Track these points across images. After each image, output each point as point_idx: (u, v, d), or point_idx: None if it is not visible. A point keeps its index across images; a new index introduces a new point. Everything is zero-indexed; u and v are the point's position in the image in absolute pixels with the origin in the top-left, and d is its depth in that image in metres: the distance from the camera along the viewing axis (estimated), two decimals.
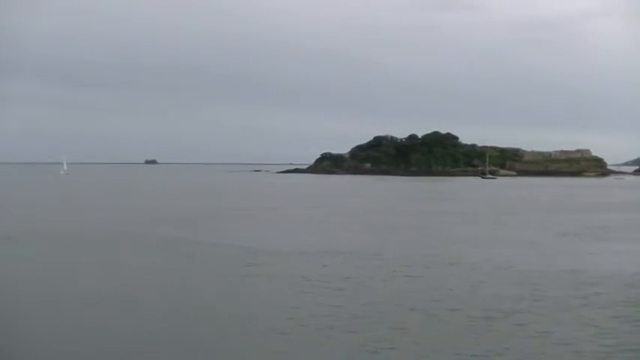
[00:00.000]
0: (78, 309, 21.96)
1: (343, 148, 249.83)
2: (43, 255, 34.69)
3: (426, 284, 26.43)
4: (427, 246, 38.68)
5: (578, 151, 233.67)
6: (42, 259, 33.43)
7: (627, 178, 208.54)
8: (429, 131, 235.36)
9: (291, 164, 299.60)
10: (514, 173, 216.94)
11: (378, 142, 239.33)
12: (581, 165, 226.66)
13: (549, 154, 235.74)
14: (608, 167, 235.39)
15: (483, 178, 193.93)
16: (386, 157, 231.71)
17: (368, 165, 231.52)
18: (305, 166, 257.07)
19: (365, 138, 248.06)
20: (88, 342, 18.24)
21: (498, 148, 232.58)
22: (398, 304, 22.61)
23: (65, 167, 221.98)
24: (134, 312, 21.55)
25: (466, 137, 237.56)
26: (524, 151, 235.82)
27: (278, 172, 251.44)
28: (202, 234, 43.58)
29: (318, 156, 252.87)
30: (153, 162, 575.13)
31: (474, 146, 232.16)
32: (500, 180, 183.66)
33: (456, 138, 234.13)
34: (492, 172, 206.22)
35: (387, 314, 21.10)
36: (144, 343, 18.09)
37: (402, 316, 20.83)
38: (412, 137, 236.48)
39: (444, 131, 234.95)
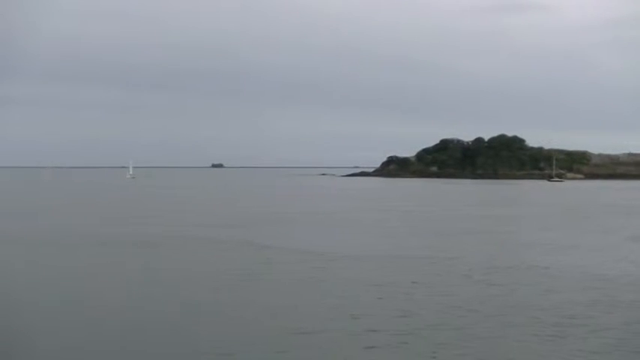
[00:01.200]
0: (171, 315, 21.83)
1: (409, 152, 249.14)
2: (120, 259, 35.26)
3: (498, 289, 25.98)
4: (498, 250, 38.21)
5: None
6: (120, 263, 34.02)
7: None
8: (496, 134, 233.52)
9: (357, 167, 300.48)
10: (581, 176, 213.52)
11: (444, 146, 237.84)
12: None
13: (617, 157, 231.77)
14: None
15: (550, 181, 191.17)
16: (452, 160, 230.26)
17: (434, 168, 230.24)
18: (371, 170, 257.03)
19: (431, 141, 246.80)
20: (179, 343, 18.33)
21: (565, 151, 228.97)
22: (470, 309, 22.16)
23: (131, 171, 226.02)
24: (217, 318, 21.37)
25: (533, 140, 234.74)
26: (591, 154, 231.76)
27: (344, 176, 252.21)
28: (269, 238, 43.50)
29: (384, 159, 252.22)
30: (219, 166, 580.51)
31: (540, 149, 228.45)
32: (567, 183, 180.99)
33: (523, 141, 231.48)
34: (559, 176, 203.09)
35: (459, 320, 20.66)
36: (233, 346, 18.03)
37: (474, 323, 20.37)
38: (478, 140, 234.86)
39: (510, 134, 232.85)
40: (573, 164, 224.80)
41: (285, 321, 20.61)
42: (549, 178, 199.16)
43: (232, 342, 18.38)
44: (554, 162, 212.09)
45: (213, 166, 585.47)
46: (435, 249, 38.59)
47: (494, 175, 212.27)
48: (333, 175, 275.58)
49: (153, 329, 19.88)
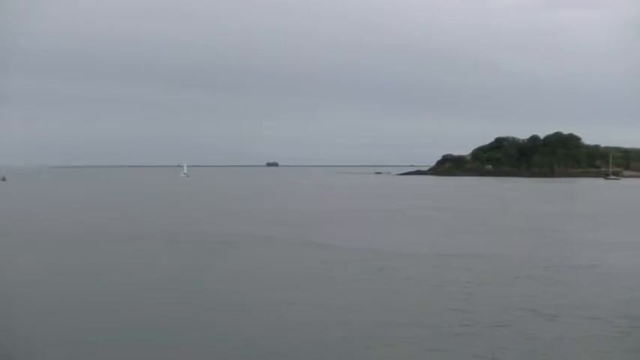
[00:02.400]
0: (237, 316, 21.99)
1: (464, 150, 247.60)
2: (179, 260, 35.69)
3: (557, 289, 25.67)
4: (556, 249, 37.79)
5: None
6: (181, 263, 34.34)
7: None
8: (551, 132, 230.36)
9: (412, 166, 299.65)
10: (638, 174, 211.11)
11: (499, 144, 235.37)
12: None
13: None
14: None
15: (607, 179, 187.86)
16: (507, 158, 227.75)
17: (489, 166, 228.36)
18: (426, 168, 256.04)
19: (486, 139, 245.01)
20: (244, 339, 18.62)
21: (622, 148, 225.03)
22: (529, 309, 22.00)
23: (185, 170, 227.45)
24: (290, 318, 21.53)
25: (589, 138, 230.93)
26: None
27: (399, 174, 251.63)
28: (327, 236, 43.62)
29: (439, 158, 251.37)
30: (274, 164, 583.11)
31: (596, 147, 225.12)
32: (624, 181, 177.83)
33: (579, 139, 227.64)
34: (616, 174, 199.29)
35: (517, 320, 20.55)
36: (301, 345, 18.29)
37: (534, 322, 20.23)
38: (534, 138, 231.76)
39: (566, 132, 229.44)
40: (630, 162, 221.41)
41: (346, 320, 20.72)
42: (606, 176, 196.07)
43: (307, 342, 18.64)
44: (610, 160, 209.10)
45: (268, 164, 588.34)
46: (492, 247, 38.36)
47: (550, 174, 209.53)
48: (389, 173, 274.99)
49: (235, 328, 20.21)
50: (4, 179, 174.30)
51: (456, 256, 34.61)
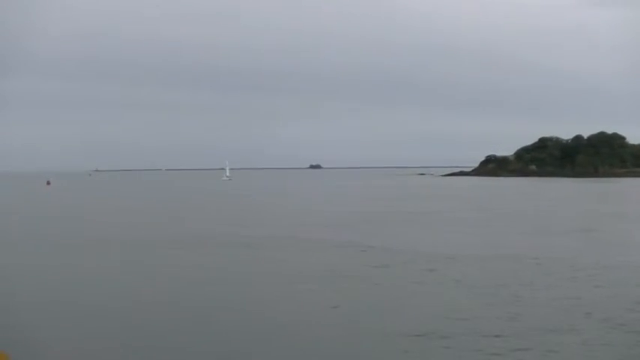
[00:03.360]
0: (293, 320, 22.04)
1: (508, 150, 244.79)
2: (226, 263, 36.09)
3: (607, 291, 25.21)
4: (603, 250, 37.16)
5: None
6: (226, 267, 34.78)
7: None
8: (595, 132, 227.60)
9: (455, 167, 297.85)
10: None
11: (543, 144, 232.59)
12: None
13: None
14: None
15: None
16: (551, 158, 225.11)
17: (533, 167, 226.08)
18: (470, 169, 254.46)
19: (530, 139, 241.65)
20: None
21: None
22: (580, 311, 21.64)
23: (227, 173, 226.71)
24: (331, 322, 21.65)
25: (634, 137, 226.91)
26: None
27: (443, 175, 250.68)
28: (373, 238, 43.41)
29: (482, 158, 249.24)
30: (317, 167, 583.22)
31: None
32: None
33: (623, 138, 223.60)
34: None
35: (569, 323, 20.19)
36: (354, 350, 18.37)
37: (585, 325, 19.93)
38: (578, 138, 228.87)
39: (610, 131, 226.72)
40: None
41: (391, 324, 20.61)
42: None
43: (347, 346, 18.64)
44: None
45: (311, 167, 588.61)
46: (539, 248, 37.83)
47: (595, 174, 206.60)
48: (432, 174, 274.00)
49: (277, 332, 20.29)
50: (48, 183, 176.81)
51: (504, 258, 34.23)
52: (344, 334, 19.62)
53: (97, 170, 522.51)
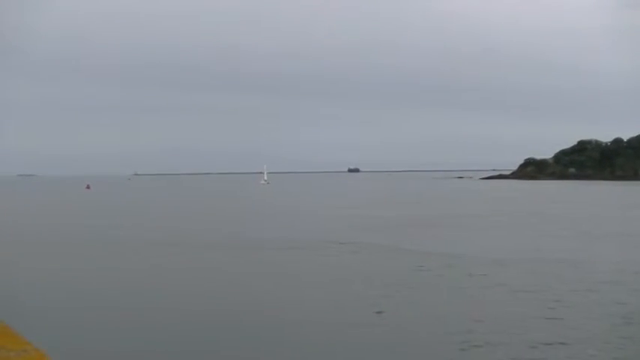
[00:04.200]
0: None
1: (547, 153, 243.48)
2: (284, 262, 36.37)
3: None
4: None
5: None
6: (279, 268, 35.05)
7: None
8: (635, 134, 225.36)
9: (494, 170, 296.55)
10: None
11: (582, 147, 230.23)
12: None
13: None
14: None
15: None
16: (590, 161, 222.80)
17: (572, 170, 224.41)
18: (508, 172, 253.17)
19: (569, 142, 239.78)
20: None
21: None
22: (621, 316, 21.53)
23: (265, 177, 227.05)
24: (374, 327, 21.88)
25: None
26: None
27: (481, 179, 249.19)
28: (413, 242, 43.46)
29: (521, 161, 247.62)
30: (355, 170, 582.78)
31: None
32: None
33: None
34: None
35: (609, 329, 20.19)
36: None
37: (629, 333, 19.77)
38: (617, 141, 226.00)
39: None
40: None
41: (433, 330, 20.83)
42: None
43: (390, 353, 18.87)
44: None
45: (350, 170, 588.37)
46: (581, 252, 37.69)
47: (635, 177, 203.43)
48: (471, 177, 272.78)
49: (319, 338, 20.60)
50: (88, 187, 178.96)
51: (545, 262, 34.13)
52: (388, 340, 19.78)
53: (136, 174, 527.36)
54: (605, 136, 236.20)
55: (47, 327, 19.74)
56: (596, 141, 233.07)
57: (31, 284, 29.85)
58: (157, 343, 19.61)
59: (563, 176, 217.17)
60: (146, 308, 24.40)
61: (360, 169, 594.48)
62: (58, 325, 21.23)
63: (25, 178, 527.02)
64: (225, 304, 25.00)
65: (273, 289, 28.24)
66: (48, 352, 2.25)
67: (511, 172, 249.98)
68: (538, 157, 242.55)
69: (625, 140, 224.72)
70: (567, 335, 19.48)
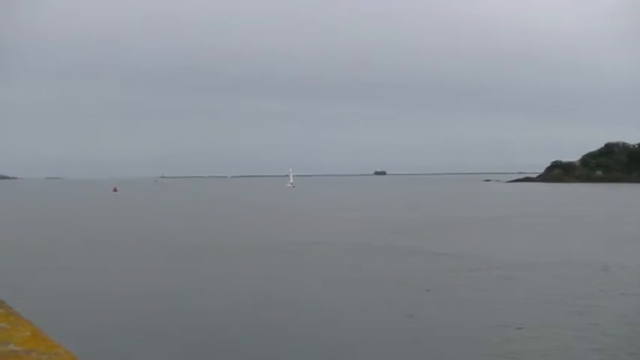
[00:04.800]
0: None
1: (574, 156, 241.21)
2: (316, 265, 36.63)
3: None
4: None
5: None
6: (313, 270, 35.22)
7: None
8: None
9: (521, 173, 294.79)
10: None
11: (609, 150, 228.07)
12: None
13: None
14: None
15: None
16: (618, 164, 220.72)
17: (599, 172, 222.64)
18: (535, 175, 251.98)
19: (596, 145, 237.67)
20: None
21: None
22: None
23: (291, 180, 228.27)
24: (405, 330, 22.20)
25: None
26: None
27: (508, 182, 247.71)
28: (441, 245, 43.66)
29: (548, 164, 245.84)
30: (382, 173, 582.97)
31: None
32: None
33: None
34: None
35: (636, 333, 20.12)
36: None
37: None
38: None
39: None
40: None
41: (460, 335, 20.97)
42: None
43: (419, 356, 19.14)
44: None
45: (376, 173, 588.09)
46: (608, 255, 37.58)
47: None
48: (498, 180, 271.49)
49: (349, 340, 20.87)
50: (115, 190, 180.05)
51: (572, 265, 34.20)
52: (419, 343, 19.99)
53: (163, 177, 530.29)
54: (633, 138, 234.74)
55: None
56: (624, 143, 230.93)
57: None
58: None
59: (589, 179, 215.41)
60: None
61: (387, 172, 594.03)
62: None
63: (51, 180, 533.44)
64: (272, 306, 25.28)
65: (311, 293, 28.59)
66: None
67: (537, 174, 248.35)
68: (566, 159, 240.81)
69: None
70: (601, 341, 19.47)
